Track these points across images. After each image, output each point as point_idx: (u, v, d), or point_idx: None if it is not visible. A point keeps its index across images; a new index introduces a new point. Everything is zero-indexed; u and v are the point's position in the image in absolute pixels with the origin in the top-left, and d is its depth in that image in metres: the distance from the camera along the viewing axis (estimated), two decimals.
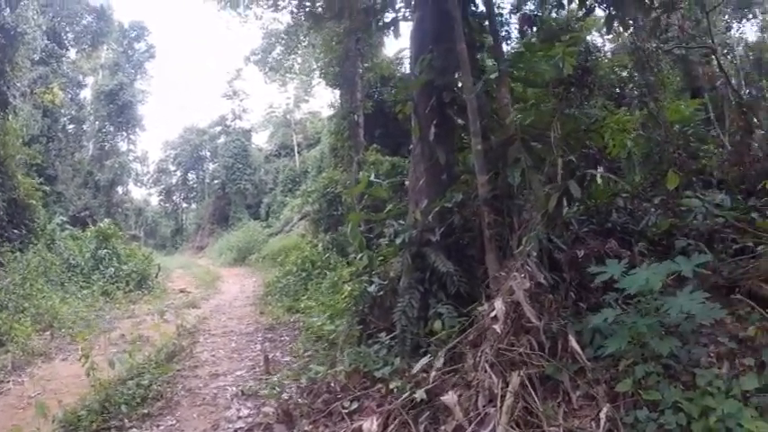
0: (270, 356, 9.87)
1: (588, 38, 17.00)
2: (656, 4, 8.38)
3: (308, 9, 8.75)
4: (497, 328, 5.53)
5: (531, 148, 7.25)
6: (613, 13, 8.50)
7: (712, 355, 5.92)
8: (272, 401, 7.42)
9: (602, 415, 5.03)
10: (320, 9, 8.63)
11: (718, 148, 17.31)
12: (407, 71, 9.53)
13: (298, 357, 9.92)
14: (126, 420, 7.23)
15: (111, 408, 7.46)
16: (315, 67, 29.77)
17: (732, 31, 30.93)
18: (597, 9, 9.12)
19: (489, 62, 9.57)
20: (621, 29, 9.40)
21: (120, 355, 9.16)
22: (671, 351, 5.53)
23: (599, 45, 19.52)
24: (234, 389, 8.47)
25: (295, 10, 8.73)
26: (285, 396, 7.51)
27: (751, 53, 29.89)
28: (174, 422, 7.35)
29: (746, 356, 5.79)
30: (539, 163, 7.17)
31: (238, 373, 9.50)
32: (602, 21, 9.08)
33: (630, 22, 9.74)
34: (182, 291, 21.64)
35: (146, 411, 7.59)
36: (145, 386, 8.33)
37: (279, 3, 8.67)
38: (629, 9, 8.29)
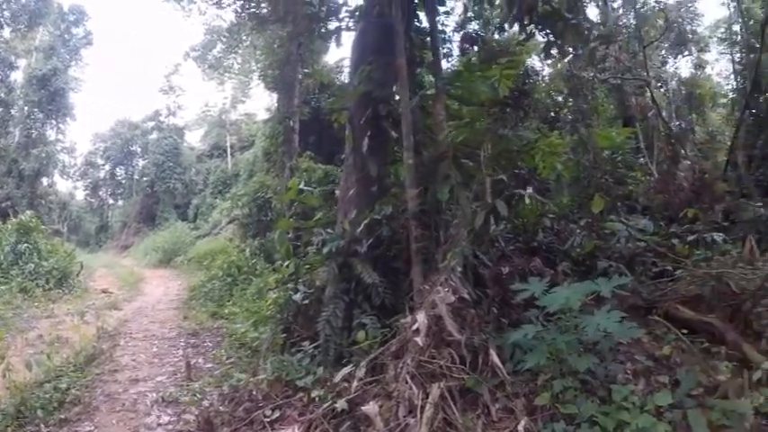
0: (192, 362, 9.76)
1: (528, 61, 17.35)
2: (594, 36, 8.63)
3: (251, 10, 8.66)
4: (419, 340, 5.60)
5: (461, 165, 7.40)
6: (552, 40, 8.71)
7: (629, 371, 6.19)
8: (193, 409, 7.36)
9: (521, 427, 5.17)
10: (264, 11, 8.56)
11: (646, 175, 18.00)
12: (347, 80, 9.55)
13: (220, 364, 9.81)
14: (42, 426, 7.03)
15: (27, 412, 7.26)
16: (254, 68, 29.56)
17: (668, 66, 32.15)
18: (538, 35, 9.29)
19: (429, 78, 9.71)
20: (559, 56, 9.64)
21: (37, 356, 9.03)
22: (588, 367, 5.74)
23: (538, 69, 19.91)
24: (154, 395, 8.33)
25: (239, 9, 8.62)
26: (206, 403, 7.46)
27: (683, 88, 31.11)
28: (93, 428, 7.20)
29: (661, 374, 6.10)
30: (468, 180, 7.31)
31: (159, 378, 9.34)
32: (542, 46, 9.29)
33: (569, 49, 10.03)
34: (104, 291, 21.03)
35: (63, 416, 7.41)
36: (63, 390, 8.15)
37: (223, 0, 8.57)
38: (567, 38, 8.53)
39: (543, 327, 6.42)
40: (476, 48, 9.73)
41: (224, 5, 8.72)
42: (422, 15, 9.04)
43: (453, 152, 7.31)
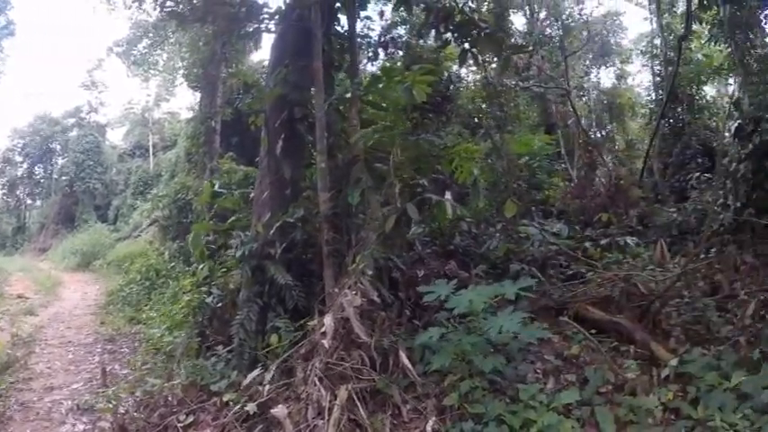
0: (108, 369, 9.65)
1: (454, 68, 17.57)
2: (508, 45, 8.85)
3: (171, 8, 8.53)
4: (325, 343, 5.64)
5: (373, 169, 7.45)
6: (467, 48, 8.87)
7: (539, 371, 6.44)
8: (108, 416, 7.21)
9: (429, 427, 5.33)
10: (183, 10, 8.45)
11: (567, 181, 18.53)
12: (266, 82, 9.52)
13: (136, 370, 9.64)
14: None
15: None
16: (179, 65, 29.03)
17: (591, 76, 33.11)
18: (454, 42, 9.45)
19: (349, 82, 9.78)
20: (474, 64, 9.82)
21: None
22: (494, 368, 5.90)
23: (463, 75, 20.23)
24: (69, 403, 8.21)
25: (158, 7, 8.48)
26: (121, 410, 7.30)
27: (604, 97, 32.08)
28: None
29: (570, 373, 6.35)
30: (380, 184, 7.38)
31: (75, 386, 9.19)
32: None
33: (486, 58, 10.24)
34: (19, 296, 20.20)
35: None
36: None
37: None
38: (482, 46, 8.71)
39: (451, 329, 6.59)
40: (390, 53, 9.79)
41: (143, 2, 8.53)
42: (344, 19, 9.11)
43: (365, 156, 7.37)
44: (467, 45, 8.84)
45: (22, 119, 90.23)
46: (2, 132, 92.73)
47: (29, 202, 62.77)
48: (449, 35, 8.91)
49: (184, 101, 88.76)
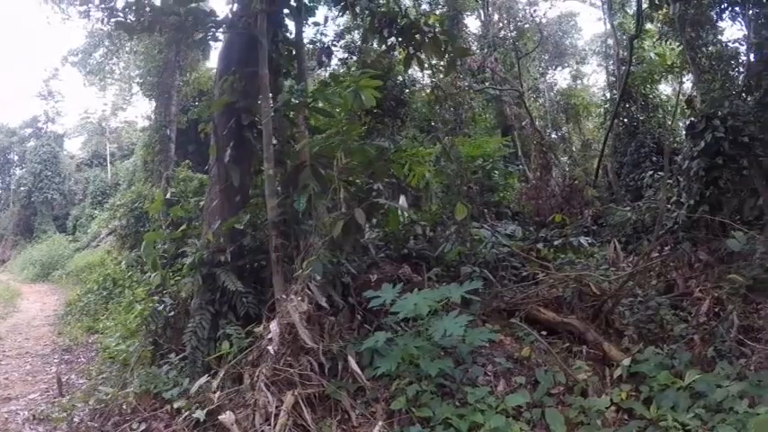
0: (64, 379, 9.55)
1: (411, 71, 17.64)
2: (450, 50, 8.94)
3: (118, 19, 8.48)
4: (271, 349, 5.68)
5: (320, 175, 7.50)
6: (412, 52, 8.96)
7: (489, 374, 6.47)
8: (64, 425, 7.24)
9: (375, 431, 5.31)
10: (130, 21, 8.41)
11: (523, 182, 18.75)
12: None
13: (91, 379, 9.59)
14: None
15: None
16: (135, 74, 28.77)
17: (547, 77, 33.44)
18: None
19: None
20: (419, 68, 9.92)
21: None
22: (441, 371, 5.96)
23: (418, 78, 20.32)
24: (26, 413, 8.13)
25: (105, 19, 8.42)
26: (76, 419, 7.32)
27: (559, 98, 32.44)
28: None
29: (521, 375, 6.41)
30: (327, 190, 7.43)
31: (32, 396, 9.08)
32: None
33: (433, 61, 10.34)
34: None
35: None
36: None
37: (90, 9, 8.34)
38: (426, 50, 8.79)
39: (400, 333, 6.66)
40: (342, 59, 9.85)
41: (89, 15, 8.44)
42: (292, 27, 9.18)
43: (312, 162, 7.42)
44: (411, 49, 8.93)
45: None
46: None
47: None
48: (393, 39, 8.99)
49: (141, 109, 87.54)
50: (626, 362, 6.21)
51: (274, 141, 7.77)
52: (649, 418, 5.35)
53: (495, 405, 5.63)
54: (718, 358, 6.15)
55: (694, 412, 5.21)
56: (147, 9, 8.15)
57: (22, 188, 49.44)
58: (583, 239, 10.96)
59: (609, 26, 24.93)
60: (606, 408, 5.64)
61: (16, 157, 56.30)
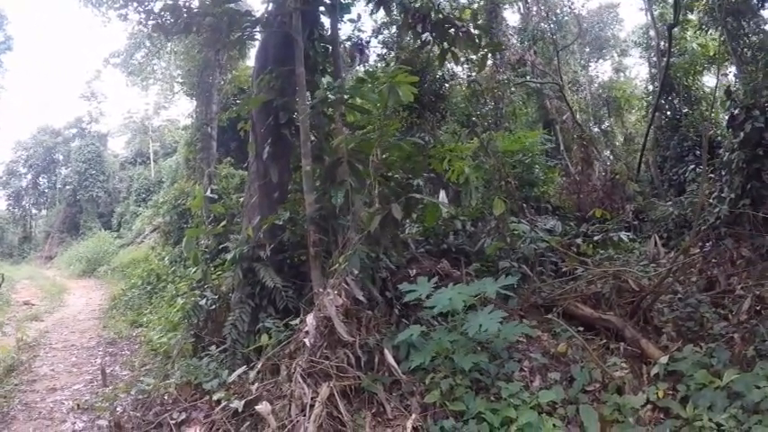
0: (108, 370, 9.84)
1: (450, 66, 17.56)
2: (484, 44, 8.91)
3: (154, 21, 8.64)
4: (308, 341, 5.75)
5: (357, 170, 7.56)
6: (446, 47, 8.95)
7: (525, 369, 6.40)
8: (107, 414, 7.42)
9: (409, 424, 5.38)
10: (167, 22, 8.56)
11: (564, 176, 18.52)
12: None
13: (134, 371, 9.89)
14: None
15: None
16: (176, 74, 29.16)
17: (588, 70, 32.94)
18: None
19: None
20: (454, 62, 9.90)
21: None
22: (476, 365, 5.96)
23: (458, 73, 20.22)
24: (70, 403, 8.39)
25: (143, 21, 8.59)
26: (119, 409, 7.54)
27: (601, 91, 31.94)
28: None
29: (557, 371, 6.34)
30: (365, 185, 7.48)
31: (76, 386, 9.37)
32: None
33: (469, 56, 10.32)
34: (26, 303, 20.44)
35: None
36: None
37: (128, 12, 8.54)
38: (459, 44, 8.77)
39: (434, 327, 6.68)
40: (380, 55, 9.87)
41: (128, 18, 8.64)
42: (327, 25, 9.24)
43: (349, 158, 7.48)
44: (445, 44, 8.93)
45: (24, 131, 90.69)
46: (5, 145, 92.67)
47: (34, 212, 62.97)
48: (427, 35, 8.99)
49: (183, 108, 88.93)
50: (663, 360, 6.06)
51: (312, 138, 7.86)
52: (685, 418, 5.25)
53: (528, 401, 5.57)
54: (758, 358, 5.90)
55: (730, 413, 5.08)
56: (184, 11, 8.28)
57: (67, 187, 50.66)
58: (623, 234, 10.83)
59: (649, 16, 24.42)
60: (642, 406, 5.54)
61: (61, 157, 57.58)
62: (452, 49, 8.91)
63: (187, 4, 8.32)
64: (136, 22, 8.96)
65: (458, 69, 18.39)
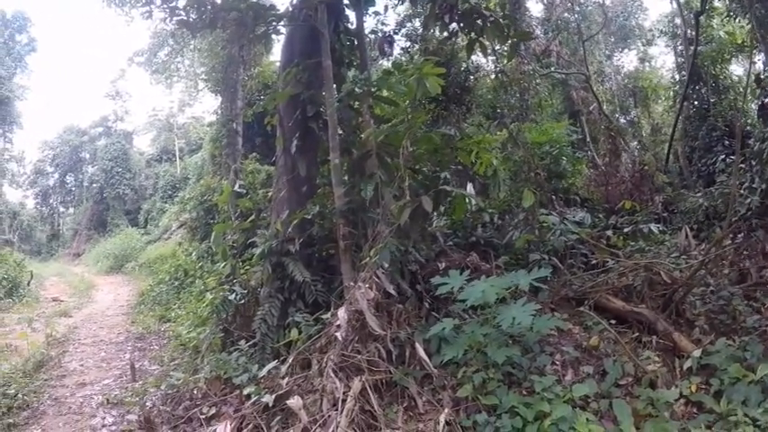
0: (137, 365, 9.90)
1: (475, 57, 17.43)
2: (512, 34, 8.80)
3: (179, 18, 8.64)
4: (339, 335, 5.72)
5: (386, 163, 7.51)
6: (474, 37, 8.86)
7: (557, 363, 6.32)
8: (137, 409, 7.49)
9: (442, 418, 5.30)
10: (192, 18, 8.55)
11: (592, 168, 18.33)
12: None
13: (163, 365, 9.95)
14: None
15: None
16: (200, 71, 29.31)
17: (614, 60, 32.54)
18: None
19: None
20: (482, 53, 9.79)
21: None
22: (507, 359, 5.89)
23: (483, 64, 20.05)
24: (100, 397, 8.45)
25: (168, 18, 8.60)
26: (148, 403, 7.63)
27: (627, 81, 31.55)
28: (40, 431, 7.31)
29: (589, 364, 6.25)
30: (394, 178, 7.43)
31: (106, 381, 9.44)
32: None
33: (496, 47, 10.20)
34: (55, 299, 20.78)
35: (11, 421, 7.49)
36: (11, 396, 8.24)
37: (152, 10, 8.54)
38: (488, 35, 8.66)
39: (465, 320, 6.61)
40: (405, 48, 9.79)
41: (152, 16, 8.63)
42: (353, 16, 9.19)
43: (378, 151, 7.43)
44: (473, 35, 8.83)
45: (51, 131, 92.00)
46: (33, 144, 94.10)
47: (61, 209, 63.94)
48: (454, 26, 8.91)
49: (208, 105, 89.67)
50: (696, 353, 5.93)
51: (339, 131, 7.83)
52: (719, 412, 5.15)
53: (562, 394, 5.49)
54: None
55: (765, 407, 4.98)
56: (209, 6, 8.27)
57: (94, 185, 51.33)
58: (653, 226, 10.66)
59: (675, 4, 24.01)
60: (675, 400, 5.44)
61: (88, 156, 58.35)
62: (481, 39, 8.81)
63: None
64: (160, 20, 8.93)
65: (482, 61, 18.29)
